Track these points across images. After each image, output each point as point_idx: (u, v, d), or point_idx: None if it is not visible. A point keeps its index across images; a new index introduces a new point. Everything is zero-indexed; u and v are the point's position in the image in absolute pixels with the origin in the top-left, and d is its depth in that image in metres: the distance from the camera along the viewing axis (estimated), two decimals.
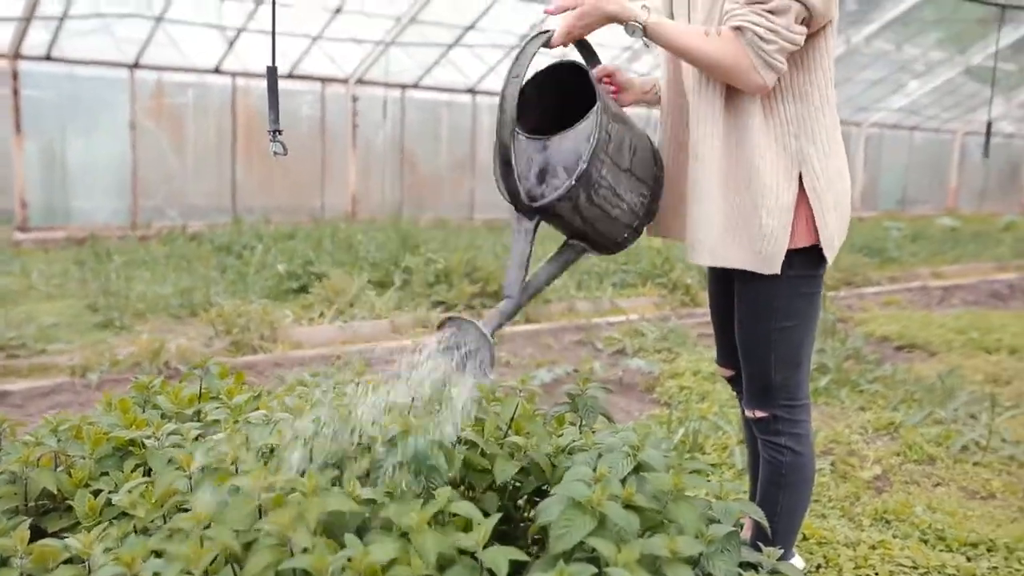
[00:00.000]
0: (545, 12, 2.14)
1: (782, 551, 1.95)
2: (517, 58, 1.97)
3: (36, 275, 7.12)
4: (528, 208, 2.11)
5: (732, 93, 2.06)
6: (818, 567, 2.78)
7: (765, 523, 1.92)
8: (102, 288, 6.46)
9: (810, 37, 2.01)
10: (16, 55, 9.25)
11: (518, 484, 2.10)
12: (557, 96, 2.21)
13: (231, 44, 10.26)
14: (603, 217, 2.13)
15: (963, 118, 17.84)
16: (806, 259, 2.12)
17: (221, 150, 10.83)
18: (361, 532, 1.65)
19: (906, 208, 17.89)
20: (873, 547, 2.89)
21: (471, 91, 12.54)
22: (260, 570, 1.45)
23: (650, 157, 2.21)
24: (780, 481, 2.24)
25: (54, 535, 1.91)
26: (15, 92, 9.33)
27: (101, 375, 4.54)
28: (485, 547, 1.55)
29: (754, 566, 1.88)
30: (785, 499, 2.23)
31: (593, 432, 2.27)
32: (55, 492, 2.00)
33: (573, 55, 2.22)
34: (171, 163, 10.51)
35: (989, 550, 2.92)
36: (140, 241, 9.19)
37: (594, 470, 1.84)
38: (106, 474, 2.08)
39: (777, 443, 2.23)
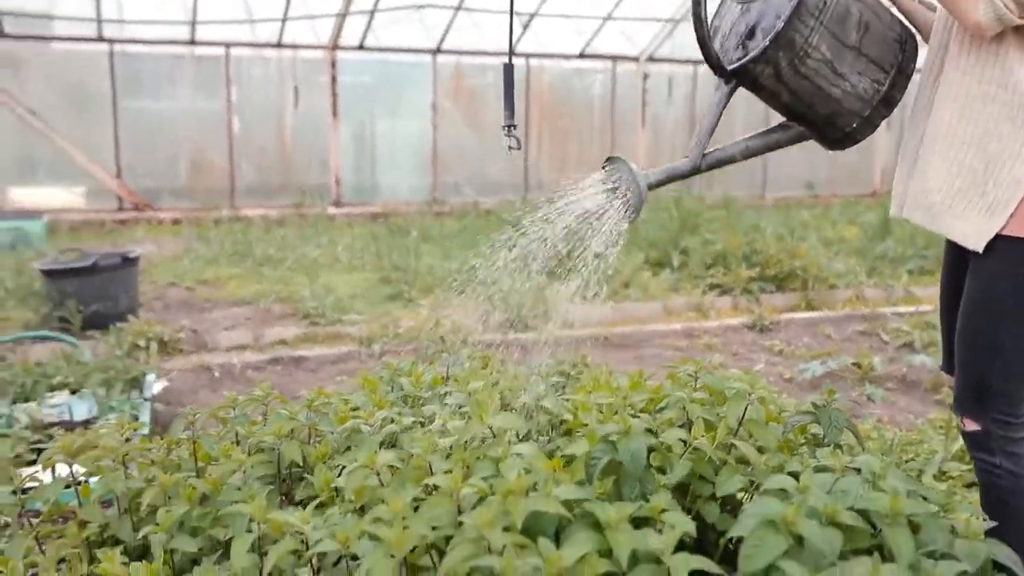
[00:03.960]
0: None
1: None
2: None
3: (341, 248, 7.78)
4: (724, 71, 1.99)
5: (999, 42, 1.83)
6: None
7: (1020, 569, 1.69)
8: (394, 263, 6.93)
9: None
10: (334, 46, 10.11)
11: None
12: None
13: (526, 27, 10.56)
14: (818, 94, 1.95)
15: None
16: None
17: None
18: (560, 527, 1.65)
19: None
20: None
21: None
22: (458, 562, 1.49)
23: (891, 40, 1.99)
24: (1003, 509, 1.93)
25: (301, 503, 2.09)
26: (333, 80, 10.21)
27: (383, 345, 4.88)
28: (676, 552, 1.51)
29: None
30: (1012, 528, 1.92)
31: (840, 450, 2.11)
32: (300, 464, 2.18)
33: None
34: (468, 142, 11.04)
35: None
36: (436, 217, 9.74)
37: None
38: (349, 449, 2.23)
39: (991, 462, 1.95)
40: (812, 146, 2.18)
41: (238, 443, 2.36)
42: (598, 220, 2.05)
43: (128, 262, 5.48)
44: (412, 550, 1.64)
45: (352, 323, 5.44)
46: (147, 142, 9.89)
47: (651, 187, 2.02)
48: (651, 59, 11.46)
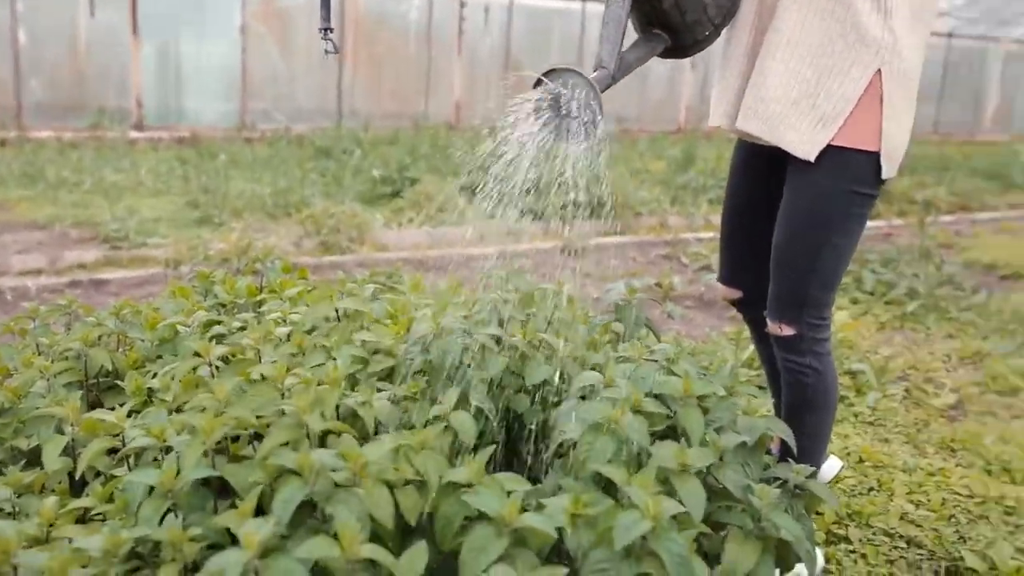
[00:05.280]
0: None
1: (813, 469, 1.93)
2: None
3: (144, 172, 7.41)
4: None
5: None
6: (870, 490, 2.73)
7: (791, 440, 1.89)
8: (203, 186, 6.68)
9: None
10: None
11: (549, 385, 2.11)
12: None
13: None
14: (695, 1, 1.97)
15: None
16: (867, 171, 2.00)
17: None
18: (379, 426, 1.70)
19: None
20: (931, 474, 2.83)
21: None
22: (273, 447, 1.51)
23: None
24: (806, 404, 2.15)
25: (111, 410, 2.04)
26: None
27: (193, 267, 4.74)
28: (491, 463, 1.57)
29: (781, 482, 1.87)
30: (811, 420, 2.15)
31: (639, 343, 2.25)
32: (111, 370, 2.13)
33: None
34: (279, 66, 10.67)
35: None
36: (246, 142, 9.42)
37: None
38: (161, 357, 2.19)
39: (801, 363, 2.13)
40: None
41: (40, 354, 2.27)
42: (568, 142, 1.84)
43: None
44: (236, 439, 1.65)
45: (157, 246, 5.24)
46: None
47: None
48: None
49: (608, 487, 1.62)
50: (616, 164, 8.59)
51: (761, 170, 2.22)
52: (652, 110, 13.04)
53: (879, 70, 1.93)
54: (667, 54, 2.12)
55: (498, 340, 2.07)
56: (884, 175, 2.00)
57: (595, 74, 1.90)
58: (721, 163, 8.50)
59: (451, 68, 11.64)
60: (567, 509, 1.44)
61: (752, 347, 3.78)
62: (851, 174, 1.99)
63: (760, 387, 3.45)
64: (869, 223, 7.00)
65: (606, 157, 1.86)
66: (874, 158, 1.98)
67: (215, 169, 7.42)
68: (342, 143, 8.88)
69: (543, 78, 1.86)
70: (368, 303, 2.17)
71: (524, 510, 1.38)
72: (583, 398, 1.87)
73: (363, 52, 11.03)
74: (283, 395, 1.62)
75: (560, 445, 1.75)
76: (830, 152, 1.97)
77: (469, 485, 1.49)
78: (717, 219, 6.90)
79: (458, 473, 1.51)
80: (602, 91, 1.88)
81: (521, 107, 1.83)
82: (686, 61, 13.08)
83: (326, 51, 2.26)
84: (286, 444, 1.50)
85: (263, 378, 1.64)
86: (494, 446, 1.69)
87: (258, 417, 1.58)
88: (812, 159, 1.97)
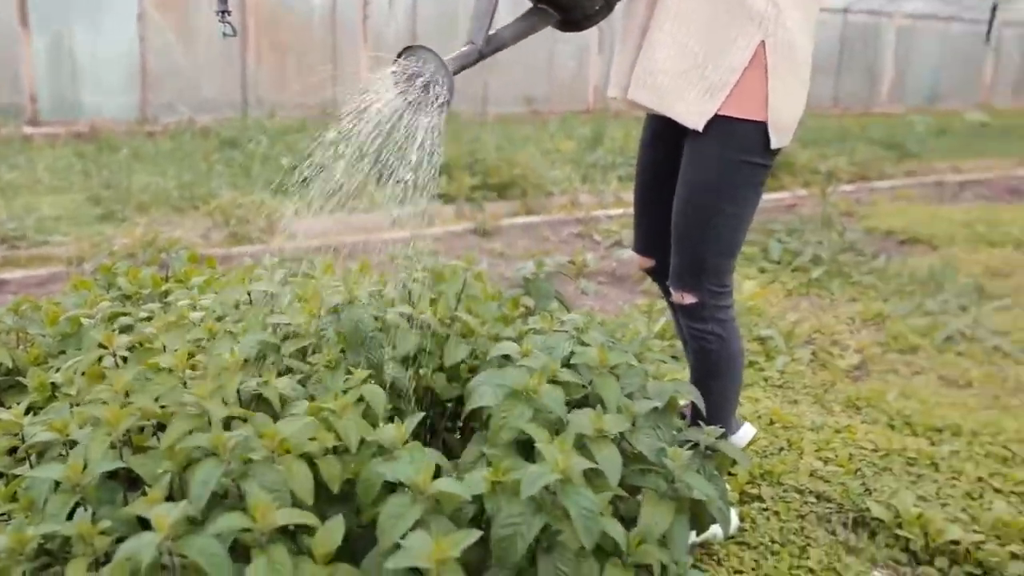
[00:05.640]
0: None
1: (723, 430, 1.98)
2: None
3: (42, 168, 7.16)
4: None
5: None
6: (781, 449, 2.82)
7: (701, 403, 1.94)
8: (105, 181, 6.49)
9: None
10: None
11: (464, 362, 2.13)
12: None
13: None
14: None
15: (1003, 6, 17.13)
16: (755, 141, 2.05)
17: (231, 42, 10.67)
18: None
19: (937, 103, 17.37)
20: (838, 431, 2.93)
21: None
22: (178, 436, 1.49)
23: None
24: (711, 371, 2.20)
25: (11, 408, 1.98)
26: None
27: (96, 264, 4.60)
28: (410, 441, 1.58)
29: (693, 444, 1.92)
30: (717, 386, 2.20)
31: (550, 315, 2.28)
32: (12, 368, 2.06)
33: None
34: (181, 56, 10.39)
35: (954, 435, 2.95)
36: (148, 136, 9.17)
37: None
38: (64, 352, 2.13)
39: (704, 330, 2.17)
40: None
41: None
42: (412, 118, 1.87)
43: None
44: (141, 431, 1.62)
45: (59, 244, 5.07)
46: None
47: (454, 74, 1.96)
48: None
49: (527, 454, 1.64)
50: (527, 144, 8.63)
51: (668, 144, 2.25)
52: (561, 90, 13.11)
53: (763, 41, 1.97)
54: (563, 27, 2.14)
55: (409, 318, 2.08)
56: (773, 145, 2.04)
57: (462, 50, 1.92)
58: (629, 141, 8.61)
59: (357, 54, 11.50)
60: (487, 477, 1.46)
61: (664, 319, 3.86)
62: (738, 143, 2.03)
63: (674, 357, 3.54)
64: (775, 194, 7.16)
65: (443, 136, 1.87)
66: (762, 128, 2.02)
67: (117, 164, 7.20)
68: (248, 133, 8.72)
69: (397, 58, 1.88)
70: (279, 286, 2.15)
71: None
72: (500, 367, 1.89)
73: (266, 40, 10.82)
74: (185, 383, 1.60)
75: (479, 412, 1.76)
76: (718, 122, 2.01)
77: (390, 450, 1.50)
78: (627, 196, 7.00)
79: (382, 433, 1.52)
80: (465, 67, 1.91)
81: (375, 84, 1.87)
82: (593, 42, 13.20)
83: (224, 33, 2.23)
84: (190, 432, 1.48)
85: (167, 368, 1.61)
86: (414, 415, 1.70)
87: (162, 407, 1.55)
88: (700, 129, 2.01)
